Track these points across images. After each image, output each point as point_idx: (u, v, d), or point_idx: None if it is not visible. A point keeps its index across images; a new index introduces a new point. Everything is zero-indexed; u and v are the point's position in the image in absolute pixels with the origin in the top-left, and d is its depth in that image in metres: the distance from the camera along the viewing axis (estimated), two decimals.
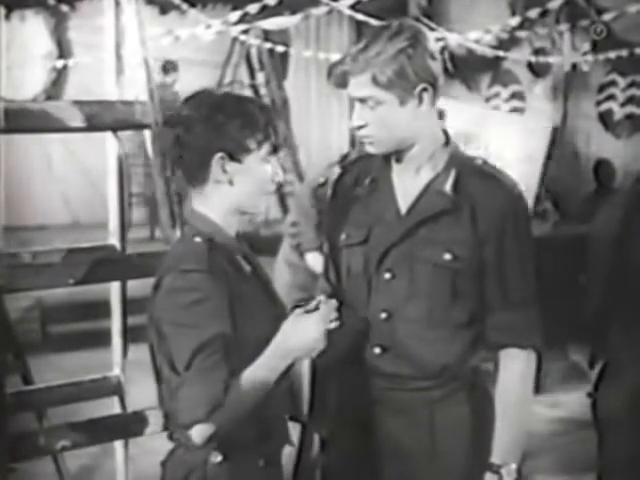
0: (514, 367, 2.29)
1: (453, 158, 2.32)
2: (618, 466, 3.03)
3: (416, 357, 2.29)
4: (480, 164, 2.33)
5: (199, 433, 2.00)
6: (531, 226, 2.38)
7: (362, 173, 2.40)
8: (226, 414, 1.98)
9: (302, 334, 2.01)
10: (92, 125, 3.44)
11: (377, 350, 2.31)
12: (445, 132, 2.35)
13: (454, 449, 2.31)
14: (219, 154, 2.10)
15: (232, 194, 2.14)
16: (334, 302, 2.05)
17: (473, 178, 2.29)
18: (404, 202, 2.33)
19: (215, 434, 2.01)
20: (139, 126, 3.50)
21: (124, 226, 3.61)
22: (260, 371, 2.01)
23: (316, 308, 2.04)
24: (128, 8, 3.49)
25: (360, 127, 2.27)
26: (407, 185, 2.33)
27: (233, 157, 2.11)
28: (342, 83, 2.27)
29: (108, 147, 3.59)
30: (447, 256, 2.26)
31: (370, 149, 2.32)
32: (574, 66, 9.39)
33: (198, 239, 2.11)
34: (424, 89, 2.22)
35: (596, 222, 3.91)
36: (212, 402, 1.96)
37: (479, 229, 2.26)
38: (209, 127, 2.10)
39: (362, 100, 2.24)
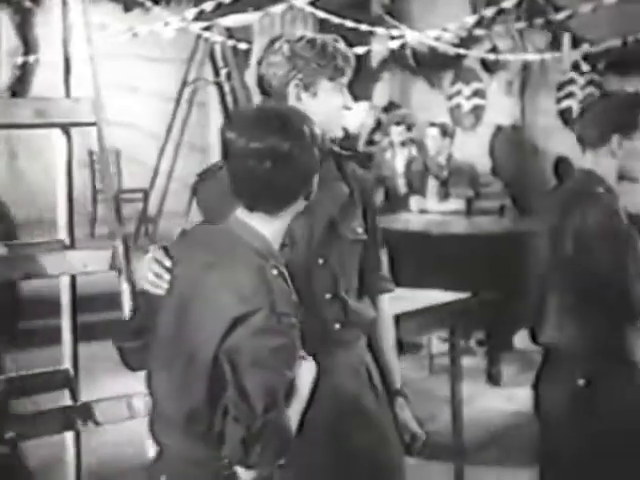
0: (386, 308, 2.81)
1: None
2: (558, 460, 3.09)
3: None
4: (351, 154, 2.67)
5: (250, 477, 2.03)
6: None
7: None
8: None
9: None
10: (41, 122, 3.49)
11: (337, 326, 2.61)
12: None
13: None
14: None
15: None
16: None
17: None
18: None
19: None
20: (86, 124, 3.56)
21: (72, 221, 3.66)
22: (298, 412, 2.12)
23: None
24: (75, 7, 3.53)
25: None
26: None
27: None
28: None
29: (56, 144, 3.64)
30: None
31: None
32: (532, 63, 9.50)
33: (274, 272, 2.06)
34: None
35: (540, 216, 3.99)
36: (284, 451, 2.02)
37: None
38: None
39: None
